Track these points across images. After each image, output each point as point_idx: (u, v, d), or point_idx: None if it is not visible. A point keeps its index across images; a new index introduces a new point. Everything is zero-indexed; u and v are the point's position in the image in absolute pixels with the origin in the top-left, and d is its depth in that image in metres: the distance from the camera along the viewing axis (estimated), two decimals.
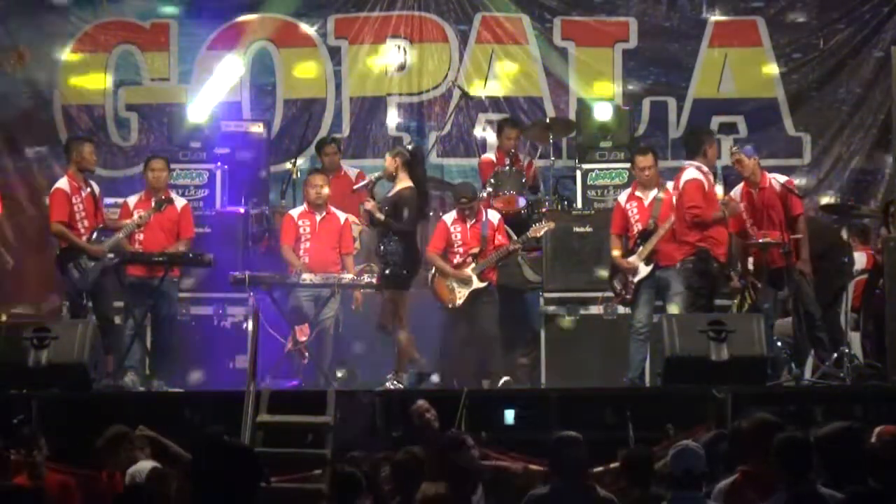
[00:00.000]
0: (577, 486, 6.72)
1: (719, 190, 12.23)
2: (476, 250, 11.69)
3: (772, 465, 6.29)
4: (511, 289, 12.32)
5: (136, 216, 11.50)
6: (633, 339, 11.13)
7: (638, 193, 11.37)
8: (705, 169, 11.01)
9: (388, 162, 11.19)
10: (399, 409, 9.59)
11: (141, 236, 11.58)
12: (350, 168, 13.40)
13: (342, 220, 11.79)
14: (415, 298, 11.96)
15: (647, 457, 7.15)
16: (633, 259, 11.19)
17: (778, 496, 6.11)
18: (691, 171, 11.00)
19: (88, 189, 11.27)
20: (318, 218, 11.62)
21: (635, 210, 11.31)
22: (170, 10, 14.47)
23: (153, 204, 11.51)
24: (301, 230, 11.58)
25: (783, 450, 6.21)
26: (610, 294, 11.56)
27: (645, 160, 11.33)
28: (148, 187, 11.82)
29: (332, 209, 11.71)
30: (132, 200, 11.84)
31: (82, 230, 11.15)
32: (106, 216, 11.56)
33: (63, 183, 11.27)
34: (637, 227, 11.26)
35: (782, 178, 11.05)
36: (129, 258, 11.41)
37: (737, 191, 11.08)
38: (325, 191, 11.67)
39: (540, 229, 11.76)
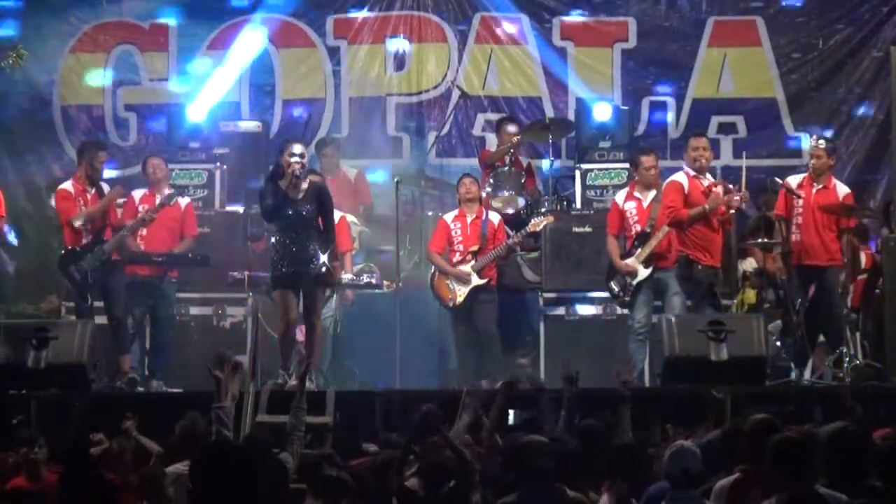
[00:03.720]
0: (547, 492, 6.65)
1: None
2: (476, 248, 11.71)
3: (769, 466, 6.28)
4: (510, 289, 12.32)
5: (141, 212, 11.48)
6: (631, 339, 11.13)
7: (637, 194, 11.37)
8: (692, 173, 11.06)
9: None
10: (399, 409, 9.58)
11: (144, 232, 11.57)
12: (349, 168, 13.39)
13: (337, 219, 11.79)
14: (415, 298, 11.98)
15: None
16: (631, 261, 11.18)
17: (780, 497, 6.09)
18: (675, 174, 11.18)
19: (94, 190, 11.27)
20: None
21: (634, 211, 11.31)
22: (169, 10, 14.46)
23: (157, 200, 11.50)
24: None
25: (779, 450, 6.20)
26: (607, 295, 11.57)
27: (650, 159, 11.39)
28: (151, 184, 11.83)
29: None
30: (137, 194, 11.81)
31: (84, 232, 11.14)
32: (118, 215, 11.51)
33: (67, 185, 11.34)
34: (636, 229, 11.26)
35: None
36: (130, 258, 11.40)
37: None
38: None
39: (539, 223, 11.78)
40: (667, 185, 11.11)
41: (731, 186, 11.11)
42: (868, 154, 13.99)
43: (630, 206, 11.34)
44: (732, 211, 11.14)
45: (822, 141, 11.51)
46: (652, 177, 11.31)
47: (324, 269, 10.22)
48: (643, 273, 11.11)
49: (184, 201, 11.95)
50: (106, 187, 11.40)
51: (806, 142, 11.42)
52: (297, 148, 10.32)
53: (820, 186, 11.22)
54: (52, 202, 11.90)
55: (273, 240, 10.47)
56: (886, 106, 13.33)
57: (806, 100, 14.27)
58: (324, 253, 10.24)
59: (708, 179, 11.15)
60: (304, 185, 10.24)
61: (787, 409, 9.57)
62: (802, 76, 14.30)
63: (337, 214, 11.80)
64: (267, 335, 10.85)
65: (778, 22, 14.32)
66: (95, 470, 5.77)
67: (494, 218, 11.98)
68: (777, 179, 11.66)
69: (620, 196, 11.54)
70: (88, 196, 11.24)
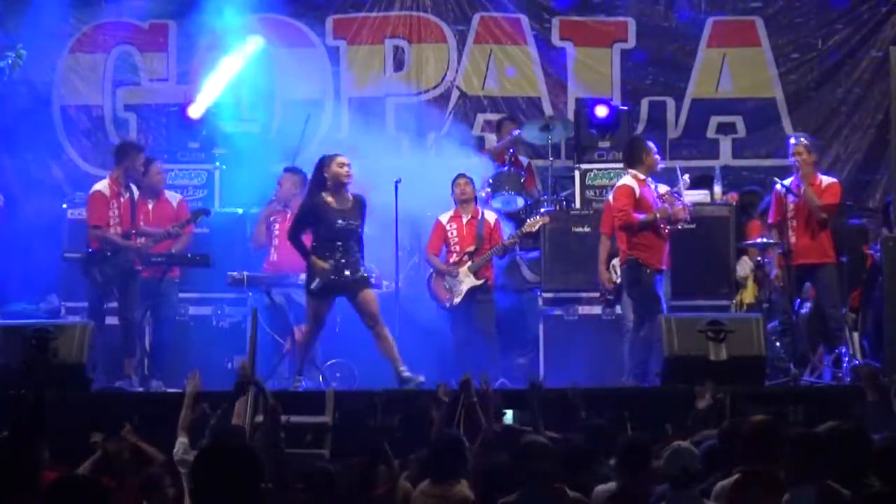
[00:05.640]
0: (548, 493, 6.66)
1: (717, 190, 12.33)
2: (472, 248, 11.71)
3: (782, 463, 6.30)
4: (509, 289, 12.33)
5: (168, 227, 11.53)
6: (625, 339, 11.12)
7: None
8: (641, 177, 11.07)
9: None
10: (398, 409, 9.60)
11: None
12: None
13: None
14: (413, 299, 11.99)
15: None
16: (616, 261, 11.20)
17: (798, 493, 6.10)
18: (624, 179, 11.16)
19: (128, 194, 11.26)
20: None
21: None
22: (168, 10, 14.45)
23: (149, 206, 11.52)
24: None
25: (797, 446, 6.23)
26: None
27: None
28: (147, 187, 11.84)
29: None
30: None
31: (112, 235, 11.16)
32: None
33: (103, 185, 11.27)
34: None
35: None
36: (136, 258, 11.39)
37: None
38: None
39: (535, 223, 11.79)
40: (617, 190, 11.12)
41: (680, 199, 11.10)
42: (867, 154, 14.02)
43: None
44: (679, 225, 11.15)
45: (802, 139, 11.52)
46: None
47: (366, 273, 10.54)
48: None
49: (175, 198, 12.00)
50: (136, 191, 11.40)
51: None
52: (346, 158, 10.60)
53: (808, 185, 11.21)
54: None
55: (314, 246, 10.44)
56: (885, 106, 13.35)
57: (805, 100, 14.29)
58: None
59: (654, 184, 11.17)
60: (350, 197, 10.38)
61: (786, 409, 9.58)
62: (801, 76, 14.32)
63: None
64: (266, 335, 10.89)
65: (777, 22, 14.33)
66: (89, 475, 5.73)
67: (490, 218, 11.99)
68: (776, 179, 11.67)
69: (612, 195, 11.55)
70: (122, 199, 11.20)
